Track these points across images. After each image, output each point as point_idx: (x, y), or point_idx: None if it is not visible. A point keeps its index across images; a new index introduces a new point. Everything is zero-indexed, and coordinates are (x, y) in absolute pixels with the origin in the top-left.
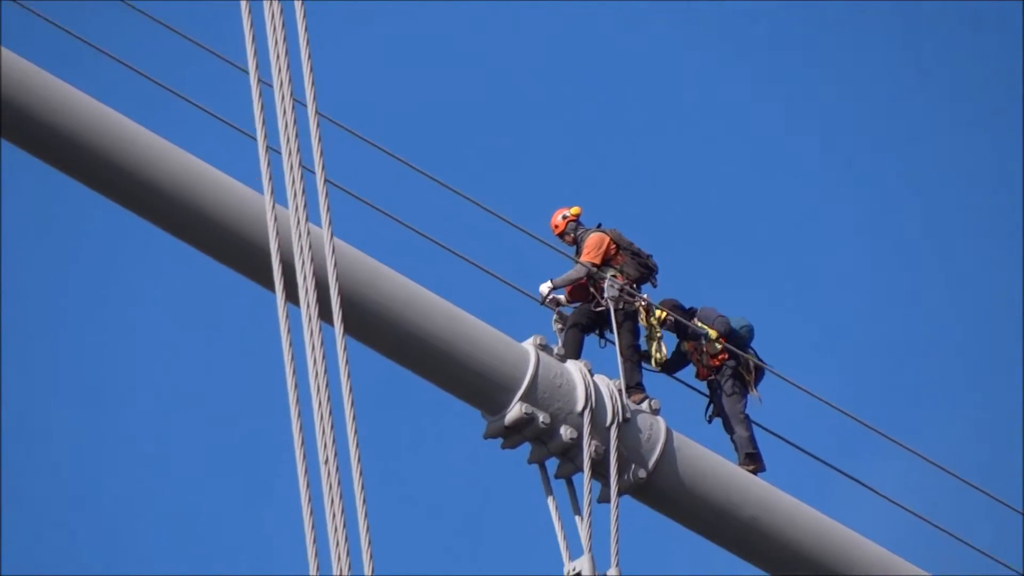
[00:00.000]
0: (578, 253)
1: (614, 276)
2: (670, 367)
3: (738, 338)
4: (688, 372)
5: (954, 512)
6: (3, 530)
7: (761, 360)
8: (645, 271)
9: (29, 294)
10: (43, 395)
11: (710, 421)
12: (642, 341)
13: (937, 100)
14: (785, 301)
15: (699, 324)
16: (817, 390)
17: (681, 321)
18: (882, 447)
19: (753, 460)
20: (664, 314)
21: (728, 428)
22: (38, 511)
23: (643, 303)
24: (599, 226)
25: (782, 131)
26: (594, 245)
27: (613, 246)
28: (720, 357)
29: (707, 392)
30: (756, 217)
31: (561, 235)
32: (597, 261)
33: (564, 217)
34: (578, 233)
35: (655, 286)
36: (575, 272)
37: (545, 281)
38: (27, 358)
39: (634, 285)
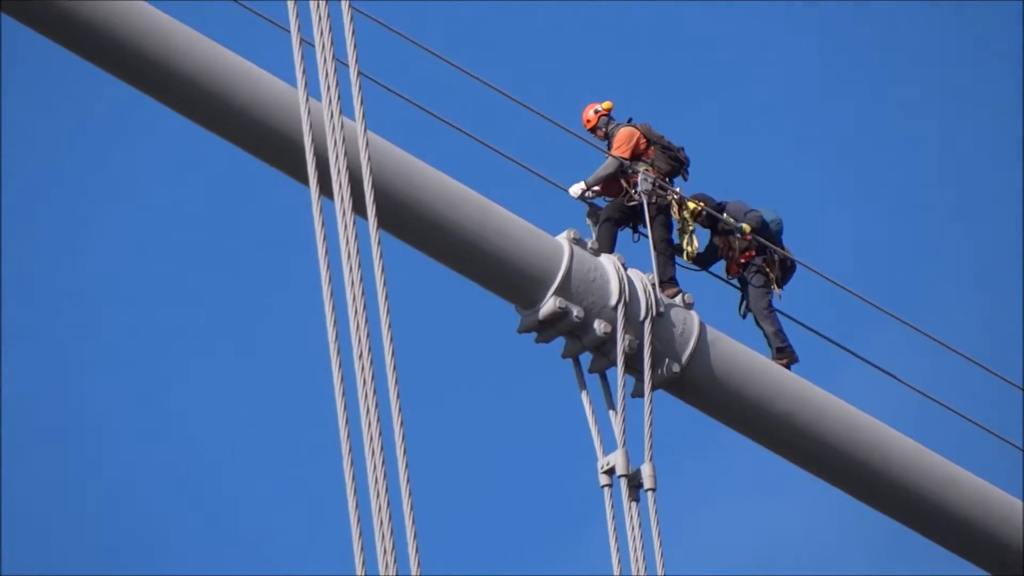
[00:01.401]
0: (609, 148)
1: (646, 170)
2: (703, 261)
3: (769, 232)
4: (720, 267)
5: (961, 393)
6: (3, 530)
7: (791, 254)
8: (676, 164)
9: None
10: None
11: (744, 316)
12: (674, 235)
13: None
14: (808, 181)
15: (730, 219)
16: (834, 273)
17: (714, 215)
18: (901, 331)
19: (784, 353)
20: (698, 206)
21: (758, 323)
22: (37, 510)
23: (676, 196)
24: (630, 120)
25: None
26: (624, 139)
27: (644, 140)
28: (748, 253)
29: (739, 287)
30: (789, 105)
31: (593, 130)
32: (627, 155)
33: (596, 112)
34: (609, 128)
35: (686, 179)
36: (606, 168)
37: (577, 181)
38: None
39: (666, 179)
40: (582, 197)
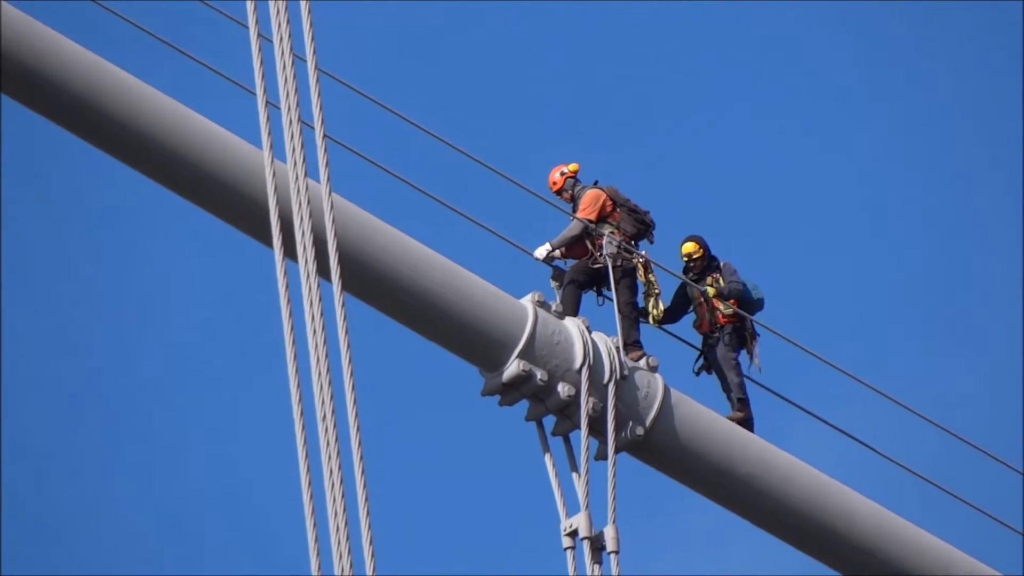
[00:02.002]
0: (575, 210)
1: (612, 232)
2: (670, 314)
3: (750, 304)
4: (684, 326)
5: (937, 462)
6: (3, 530)
7: (768, 327)
8: (642, 227)
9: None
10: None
11: (698, 373)
12: (640, 298)
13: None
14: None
15: (719, 280)
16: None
17: (685, 283)
18: (881, 404)
19: (744, 405)
20: (694, 255)
21: (720, 375)
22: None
23: (641, 259)
24: (596, 183)
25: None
26: (590, 201)
27: (610, 203)
28: (728, 319)
29: (700, 346)
30: (754, 176)
31: (559, 192)
32: (593, 217)
33: (562, 174)
34: (576, 190)
35: (652, 242)
36: (571, 230)
37: (543, 244)
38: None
39: (631, 241)
40: (547, 259)
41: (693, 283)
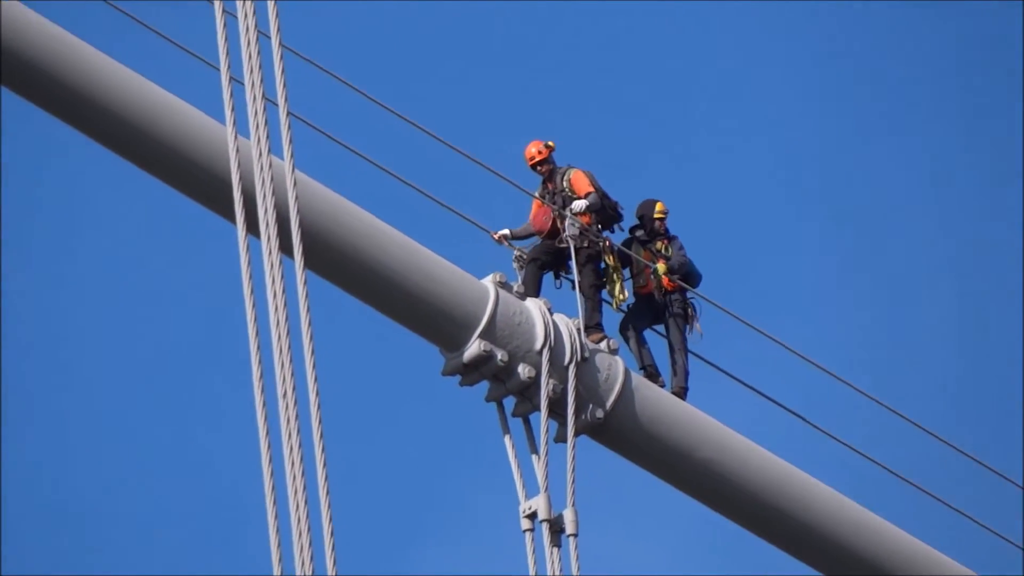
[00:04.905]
0: (552, 188)
1: (575, 216)
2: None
3: (693, 278)
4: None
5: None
6: (3, 530)
7: (710, 300)
8: (613, 215)
9: None
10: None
11: (624, 322)
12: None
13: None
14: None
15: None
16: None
17: (625, 252)
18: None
19: (682, 397)
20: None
21: (672, 355)
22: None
23: (607, 244)
24: (569, 166)
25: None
26: (588, 180)
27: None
28: (671, 285)
29: (635, 303)
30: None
31: (539, 164)
32: (591, 190)
33: (547, 146)
34: (552, 167)
35: (613, 232)
36: (592, 204)
37: (580, 204)
38: None
39: (599, 227)
40: (500, 238)
41: (643, 243)
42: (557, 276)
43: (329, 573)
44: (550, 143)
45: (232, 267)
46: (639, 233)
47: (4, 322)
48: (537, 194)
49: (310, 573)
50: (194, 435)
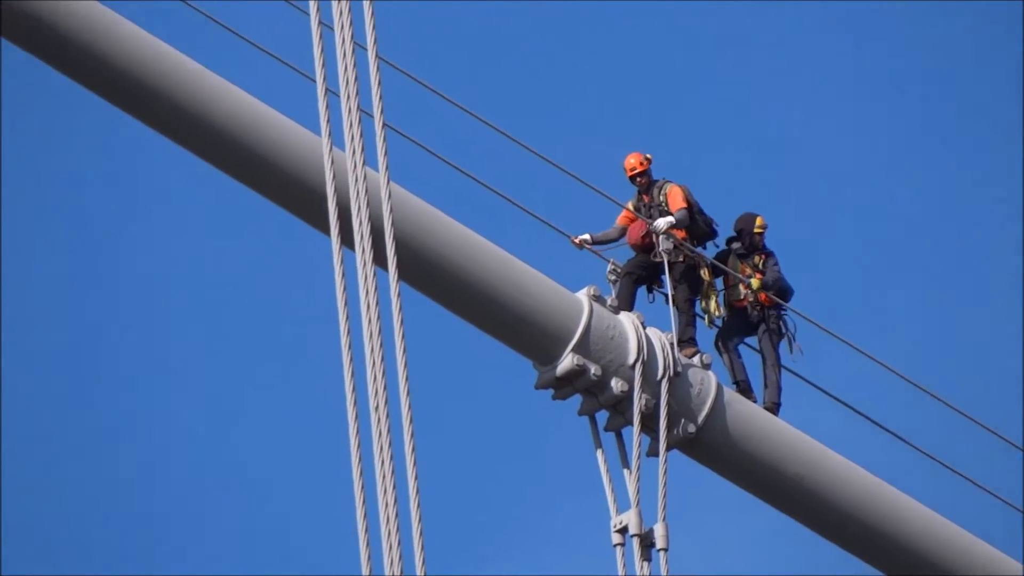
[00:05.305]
0: (648, 201)
1: (670, 231)
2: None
3: (786, 294)
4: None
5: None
6: (3, 530)
7: (806, 317)
8: (707, 231)
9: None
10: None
11: (718, 338)
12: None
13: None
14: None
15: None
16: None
17: (720, 267)
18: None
19: (778, 394)
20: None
21: (765, 370)
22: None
23: (703, 260)
24: (664, 180)
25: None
26: (684, 195)
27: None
28: (768, 300)
29: (727, 317)
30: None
31: (638, 175)
32: (685, 206)
33: (647, 159)
34: (651, 180)
35: (716, 247)
36: (683, 220)
37: (667, 219)
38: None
39: (695, 242)
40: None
41: (740, 256)
42: (651, 290)
43: (418, 573)
44: (648, 155)
45: (325, 277)
46: (736, 246)
47: (91, 332)
48: (631, 206)
49: (399, 573)
50: (232, 440)
